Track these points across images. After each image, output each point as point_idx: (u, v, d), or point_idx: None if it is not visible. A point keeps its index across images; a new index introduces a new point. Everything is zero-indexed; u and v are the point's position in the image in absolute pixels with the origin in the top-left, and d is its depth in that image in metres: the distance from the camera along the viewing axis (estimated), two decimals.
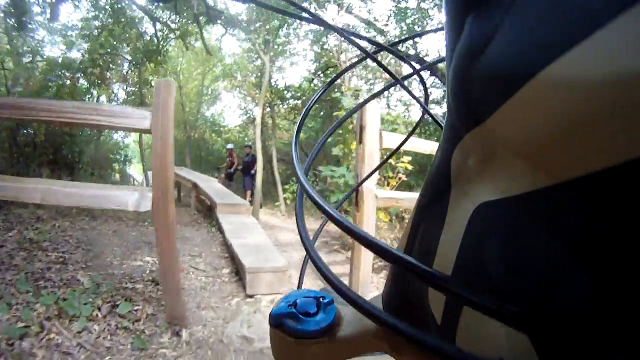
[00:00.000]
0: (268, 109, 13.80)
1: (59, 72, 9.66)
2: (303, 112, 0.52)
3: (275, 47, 12.28)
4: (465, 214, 0.28)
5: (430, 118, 0.63)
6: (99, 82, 10.95)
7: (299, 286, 0.57)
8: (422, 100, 0.63)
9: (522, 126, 0.21)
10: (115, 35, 10.80)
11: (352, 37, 0.54)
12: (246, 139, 16.12)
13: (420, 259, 0.32)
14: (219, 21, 11.35)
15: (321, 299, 0.42)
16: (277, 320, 0.40)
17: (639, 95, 0.15)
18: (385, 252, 0.24)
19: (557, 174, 0.20)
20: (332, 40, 12.04)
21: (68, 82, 9.79)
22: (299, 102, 14.62)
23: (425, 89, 0.67)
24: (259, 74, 13.95)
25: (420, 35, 0.80)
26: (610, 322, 0.17)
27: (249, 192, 11.25)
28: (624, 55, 0.16)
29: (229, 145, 13.16)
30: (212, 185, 9.24)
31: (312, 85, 14.27)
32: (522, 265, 0.22)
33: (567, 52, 0.17)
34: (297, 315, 0.40)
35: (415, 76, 0.64)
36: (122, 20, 10.58)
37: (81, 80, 10.57)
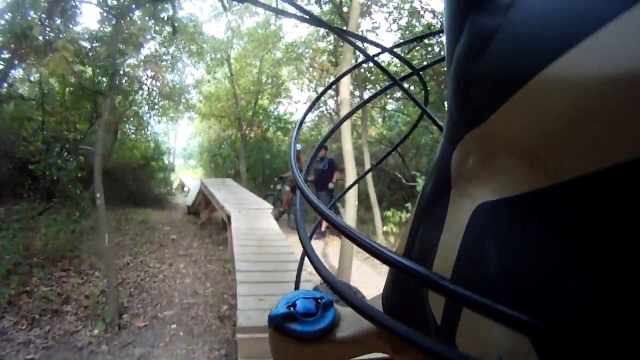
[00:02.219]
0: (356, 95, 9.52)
1: None
2: (304, 113, 0.55)
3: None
4: (465, 214, 0.28)
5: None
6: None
7: (297, 286, 0.57)
8: (421, 101, 0.67)
9: (521, 126, 0.22)
10: None
11: (352, 39, 0.58)
12: (320, 137, 11.94)
13: (420, 259, 0.34)
14: None
15: (320, 300, 0.43)
16: (276, 322, 0.41)
17: (638, 96, 0.16)
18: (382, 254, 0.24)
19: (556, 174, 0.20)
20: None
21: None
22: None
23: (425, 89, 0.69)
24: (334, 49, 10.01)
25: (422, 38, 0.80)
26: (610, 322, 0.17)
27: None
28: (623, 55, 0.16)
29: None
30: (254, 228, 5.01)
31: (410, 56, 9.77)
32: (521, 265, 0.22)
33: (567, 53, 0.18)
34: (297, 316, 0.41)
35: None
36: None
37: None
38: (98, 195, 4.47)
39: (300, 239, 0.37)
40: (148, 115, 10.13)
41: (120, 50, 5.99)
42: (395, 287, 0.41)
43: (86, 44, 7.12)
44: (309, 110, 0.55)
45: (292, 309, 0.42)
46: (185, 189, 14.09)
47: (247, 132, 12.04)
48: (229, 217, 5.41)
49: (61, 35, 6.13)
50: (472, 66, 0.25)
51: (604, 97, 0.17)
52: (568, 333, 0.18)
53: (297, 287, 0.56)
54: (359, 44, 0.63)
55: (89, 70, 7.85)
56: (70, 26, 6.53)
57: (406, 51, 9.41)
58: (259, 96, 12.80)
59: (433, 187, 0.35)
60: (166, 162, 12.85)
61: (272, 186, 10.88)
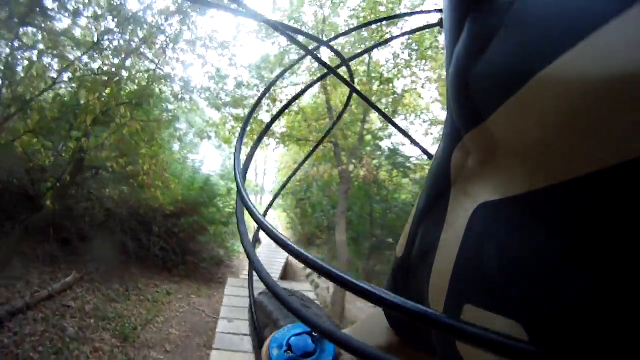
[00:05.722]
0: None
1: None
2: (250, 110, 0.56)
3: None
4: (466, 214, 0.28)
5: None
6: None
7: (251, 296, 0.60)
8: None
9: (522, 126, 0.22)
10: None
11: (289, 33, 0.55)
12: None
13: (420, 259, 0.34)
14: None
15: (314, 333, 0.42)
16: None
17: (638, 96, 0.16)
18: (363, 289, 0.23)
19: (556, 174, 0.20)
20: None
21: None
22: None
23: (351, 76, 0.76)
24: None
25: (358, 28, 0.82)
26: (610, 322, 0.18)
27: None
28: (623, 55, 0.16)
29: None
30: None
31: None
32: (521, 265, 0.22)
33: (567, 53, 0.18)
34: (297, 359, 0.40)
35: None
36: None
37: None
38: None
39: (244, 247, 0.35)
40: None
41: None
42: (395, 289, 0.40)
43: None
44: (259, 101, 0.58)
45: (289, 352, 0.40)
46: (259, 248, 9.40)
47: (350, 168, 7.37)
48: None
49: None
50: (472, 66, 0.25)
51: (604, 97, 0.16)
52: (570, 353, 0.18)
53: (251, 297, 0.58)
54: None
55: None
56: None
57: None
58: (366, 114, 8.15)
59: (433, 186, 0.35)
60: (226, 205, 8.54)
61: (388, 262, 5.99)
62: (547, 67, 0.19)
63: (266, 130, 0.51)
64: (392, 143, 9.22)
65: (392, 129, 9.20)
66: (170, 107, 5.79)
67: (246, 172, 0.42)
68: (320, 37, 6.91)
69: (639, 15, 0.16)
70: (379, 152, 8.97)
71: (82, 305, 4.67)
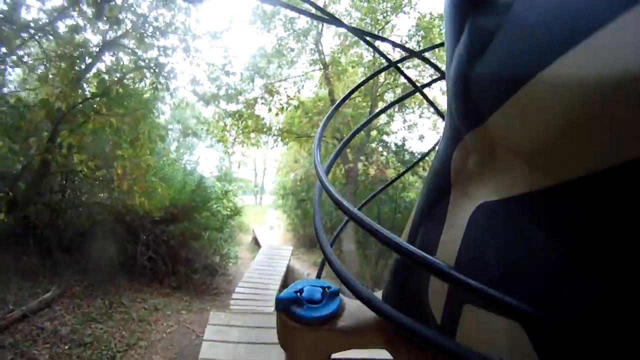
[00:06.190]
0: None
1: None
2: (326, 117, 0.55)
3: None
4: (465, 215, 0.28)
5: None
6: None
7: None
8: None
9: (521, 127, 0.22)
10: None
11: (372, 40, 0.56)
12: None
13: None
14: None
15: (327, 289, 0.44)
16: (283, 305, 0.43)
17: (637, 97, 0.16)
18: (414, 256, 0.24)
19: (556, 175, 0.20)
20: None
21: None
22: None
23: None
24: None
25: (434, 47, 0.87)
26: (611, 322, 0.18)
27: None
28: (622, 56, 0.17)
29: None
30: None
31: None
32: (521, 265, 0.22)
33: (566, 53, 0.18)
34: (302, 301, 0.43)
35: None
36: None
37: None
38: None
39: (318, 240, 0.35)
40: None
41: None
42: (394, 288, 0.40)
43: None
44: (334, 110, 0.54)
45: (299, 294, 0.43)
46: (258, 256, 8.63)
47: (356, 166, 6.77)
48: None
49: None
50: (472, 67, 0.25)
51: (604, 98, 0.17)
52: (562, 323, 0.19)
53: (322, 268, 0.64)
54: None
55: None
56: None
57: None
58: (375, 106, 7.56)
59: (433, 187, 0.34)
60: (226, 206, 7.94)
61: None
62: (546, 68, 0.19)
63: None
64: (397, 138, 8.67)
65: (396, 125, 8.66)
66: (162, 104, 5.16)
67: (328, 171, 0.44)
68: (320, 27, 6.16)
69: (637, 17, 0.16)
70: (381, 149, 8.41)
71: (57, 327, 4.11)
